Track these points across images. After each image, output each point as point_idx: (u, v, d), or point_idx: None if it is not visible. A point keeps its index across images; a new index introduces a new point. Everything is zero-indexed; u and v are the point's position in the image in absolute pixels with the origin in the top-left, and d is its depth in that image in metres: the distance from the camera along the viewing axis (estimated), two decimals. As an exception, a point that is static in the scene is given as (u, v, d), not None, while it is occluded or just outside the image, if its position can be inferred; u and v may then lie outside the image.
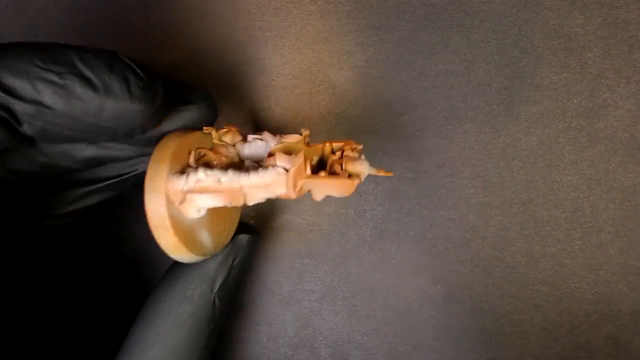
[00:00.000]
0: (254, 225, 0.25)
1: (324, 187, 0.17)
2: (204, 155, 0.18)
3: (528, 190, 0.24)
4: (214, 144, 0.19)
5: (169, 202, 0.17)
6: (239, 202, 0.17)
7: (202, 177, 0.17)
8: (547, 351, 0.24)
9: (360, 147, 0.18)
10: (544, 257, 0.24)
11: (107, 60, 0.15)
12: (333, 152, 0.19)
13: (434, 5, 0.24)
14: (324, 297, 0.25)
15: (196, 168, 0.17)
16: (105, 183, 0.20)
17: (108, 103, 0.14)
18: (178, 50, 0.25)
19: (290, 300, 0.25)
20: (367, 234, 0.25)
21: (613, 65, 0.23)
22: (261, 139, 0.19)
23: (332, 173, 0.18)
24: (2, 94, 0.13)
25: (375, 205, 0.25)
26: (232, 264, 0.20)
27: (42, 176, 0.18)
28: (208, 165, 0.18)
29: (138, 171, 0.20)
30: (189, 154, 0.18)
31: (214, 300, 0.20)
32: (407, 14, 0.24)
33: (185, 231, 0.17)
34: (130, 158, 0.19)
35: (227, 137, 0.19)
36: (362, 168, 0.18)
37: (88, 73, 0.14)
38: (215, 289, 0.20)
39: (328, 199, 0.25)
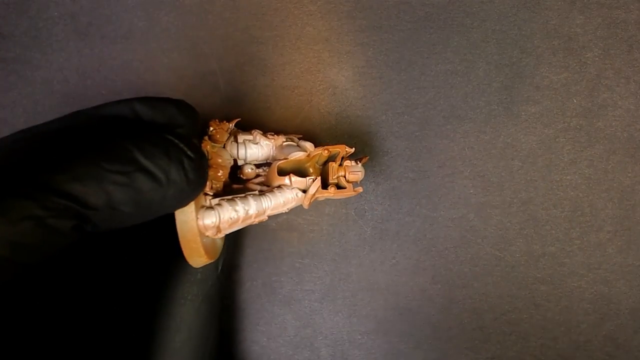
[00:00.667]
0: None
1: (333, 197, 0.20)
2: (220, 173, 0.19)
3: (527, 189, 0.24)
4: (210, 152, 0.19)
5: (202, 235, 0.18)
6: (263, 220, 0.20)
7: (230, 212, 0.18)
8: (546, 350, 0.25)
9: (352, 150, 0.20)
10: (543, 257, 0.24)
11: (164, 148, 0.15)
12: (333, 159, 0.21)
13: (434, 5, 0.24)
14: (324, 296, 0.25)
15: (219, 203, 0.18)
16: None
17: (170, 192, 0.15)
18: (178, 51, 0.25)
19: (290, 300, 0.25)
20: (367, 234, 0.25)
21: (613, 65, 0.23)
22: (255, 142, 0.21)
23: (340, 187, 0.21)
24: (77, 207, 0.13)
25: (375, 205, 0.25)
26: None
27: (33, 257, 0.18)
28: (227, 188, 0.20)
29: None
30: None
31: (218, 278, 0.21)
32: (407, 14, 0.24)
33: (209, 247, 0.19)
34: None
35: (217, 139, 0.19)
36: (362, 175, 0.20)
37: (151, 167, 0.15)
38: (220, 267, 0.21)
39: (328, 199, 0.25)
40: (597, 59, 0.24)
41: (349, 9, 0.24)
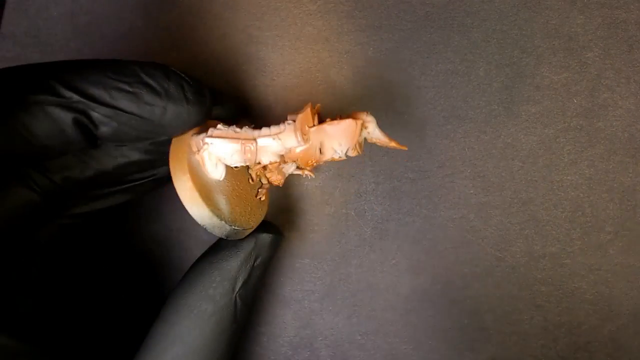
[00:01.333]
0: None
1: (332, 136, 0.18)
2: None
3: (528, 190, 0.24)
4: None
5: (190, 151, 0.19)
6: (253, 156, 0.19)
7: (221, 127, 0.19)
8: (547, 351, 0.24)
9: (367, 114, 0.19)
10: (543, 257, 0.24)
11: (164, 71, 0.18)
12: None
13: (434, 4, 0.24)
14: (324, 297, 0.25)
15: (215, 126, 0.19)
16: (124, 186, 0.21)
17: (169, 106, 0.17)
18: (178, 51, 0.25)
19: (290, 300, 0.25)
20: (367, 234, 0.25)
21: (613, 65, 0.23)
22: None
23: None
24: (85, 101, 0.16)
25: (375, 205, 0.25)
26: (254, 263, 0.20)
27: (89, 183, 0.20)
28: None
29: (156, 176, 0.21)
30: (215, 126, 0.20)
31: (235, 300, 0.20)
32: (407, 14, 0.24)
33: (202, 183, 0.18)
34: (159, 166, 0.21)
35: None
36: (367, 117, 0.19)
37: (151, 82, 0.17)
38: (237, 289, 0.20)
39: (328, 198, 0.25)
40: (597, 58, 0.23)
41: (349, 8, 0.24)
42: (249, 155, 0.19)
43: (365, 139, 0.20)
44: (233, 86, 0.25)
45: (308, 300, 0.25)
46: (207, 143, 0.19)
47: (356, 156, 0.19)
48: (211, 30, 0.25)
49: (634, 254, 0.24)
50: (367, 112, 0.19)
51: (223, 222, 0.19)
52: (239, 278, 0.20)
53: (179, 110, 0.18)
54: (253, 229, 0.21)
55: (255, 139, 0.19)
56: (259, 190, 0.21)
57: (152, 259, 0.26)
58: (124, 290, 0.25)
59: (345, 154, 0.19)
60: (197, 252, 0.22)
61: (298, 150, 0.19)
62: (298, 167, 0.21)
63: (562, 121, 0.24)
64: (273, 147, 0.19)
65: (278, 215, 0.25)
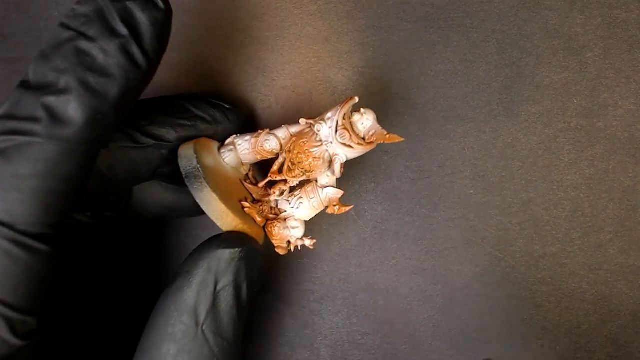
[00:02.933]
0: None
1: (330, 110, 0.20)
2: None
3: (528, 190, 0.24)
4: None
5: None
6: (258, 141, 0.21)
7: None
8: (547, 351, 0.24)
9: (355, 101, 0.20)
10: (543, 257, 0.24)
11: (208, 102, 0.21)
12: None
13: (434, 5, 0.24)
14: (323, 297, 0.25)
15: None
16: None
17: (219, 129, 0.21)
18: (179, 51, 0.25)
19: (290, 300, 0.25)
20: (367, 234, 0.25)
21: (613, 65, 0.23)
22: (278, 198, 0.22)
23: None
24: (155, 142, 0.20)
25: (375, 205, 0.25)
26: (216, 289, 0.17)
27: (128, 177, 0.21)
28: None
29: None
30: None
31: (203, 335, 0.17)
32: (407, 14, 0.24)
33: (204, 143, 0.21)
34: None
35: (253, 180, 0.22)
36: (370, 112, 0.20)
37: (202, 114, 0.21)
38: (201, 321, 0.17)
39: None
40: (597, 58, 0.23)
41: (349, 9, 0.24)
42: (254, 138, 0.21)
43: (364, 139, 0.19)
44: (233, 86, 0.25)
45: (308, 300, 0.25)
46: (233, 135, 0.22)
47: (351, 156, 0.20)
48: (211, 30, 0.25)
49: (634, 254, 0.24)
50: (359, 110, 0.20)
51: (194, 155, 0.19)
52: (200, 309, 0.17)
53: (226, 129, 0.22)
54: (215, 199, 0.18)
55: (268, 129, 0.21)
56: (245, 204, 0.20)
57: (151, 259, 0.26)
58: (123, 290, 0.25)
59: (337, 137, 0.19)
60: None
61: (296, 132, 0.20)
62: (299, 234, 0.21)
63: (562, 121, 0.24)
64: (278, 131, 0.21)
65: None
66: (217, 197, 0.18)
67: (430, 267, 0.25)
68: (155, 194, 0.22)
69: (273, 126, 0.21)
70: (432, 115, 0.24)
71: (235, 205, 0.19)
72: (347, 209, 0.20)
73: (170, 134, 0.20)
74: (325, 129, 0.19)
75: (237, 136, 0.21)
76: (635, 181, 0.24)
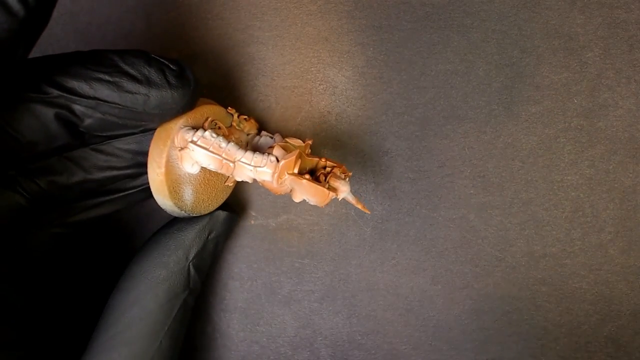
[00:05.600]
0: (254, 224, 0.25)
1: (304, 190, 0.19)
2: (219, 127, 0.20)
3: (528, 190, 0.24)
4: (231, 125, 0.21)
5: (172, 145, 0.19)
6: (228, 172, 0.20)
7: (208, 136, 0.19)
8: (547, 351, 0.24)
9: (349, 174, 0.20)
10: (544, 257, 0.24)
11: (144, 58, 0.18)
12: (325, 168, 0.20)
13: (434, 5, 0.24)
14: (323, 297, 0.25)
15: (205, 130, 0.19)
16: (114, 196, 0.21)
17: (152, 92, 0.17)
18: (178, 51, 0.25)
19: (290, 300, 0.25)
20: (367, 234, 0.25)
21: (613, 65, 0.23)
22: (271, 137, 0.22)
23: (316, 179, 0.20)
24: (66, 94, 0.16)
25: (375, 205, 0.25)
26: (208, 236, 0.22)
27: (77, 190, 0.20)
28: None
29: (147, 186, 0.21)
30: (206, 119, 0.20)
31: (188, 268, 0.21)
32: (407, 14, 0.24)
33: (174, 178, 0.20)
34: None
35: (245, 125, 0.22)
36: (343, 187, 0.20)
37: (131, 70, 0.17)
38: (191, 258, 0.21)
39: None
40: (597, 58, 0.23)
41: (349, 8, 0.24)
42: (222, 170, 0.20)
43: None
44: (233, 86, 0.25)
45: (308, 300, 0.25)
46: (189, 149, 0.19)
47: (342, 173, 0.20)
48: (211, 30, 0.25)
49: (635, 254, 0.24)
50: (346, 176, 0.20)
51: (183, 212, 0.21)
52: (193, 248, 0.21)
53: (163, 95, 0.17)
54: (211, 210, 0.22)
55: (235, 162, 0.20)
56: (230, 177, 0.22)
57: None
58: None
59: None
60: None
61: (269, 183, 0.20)
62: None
63: (563, 121, 0.24)
64: (249, 173, 0.20)
65: (278, 215, 0.25)
66: (214, 208, 0.22)
67: (430, 267, 0.25)
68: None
69: (272, 126, 0.21)
70: (432, 115, 0.24)
71: (221, 189, 0.22)
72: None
73: (82, 88, 0.17)
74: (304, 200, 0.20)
75: (193, 154, 0.19)
76: (636, 181, 0.24)
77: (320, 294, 0.25)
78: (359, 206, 0.20)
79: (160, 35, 0.25)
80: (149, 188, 0.22)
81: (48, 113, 0.17)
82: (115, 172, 0.21)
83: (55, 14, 0.25)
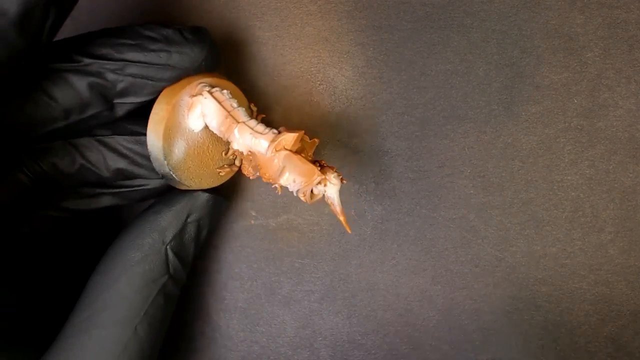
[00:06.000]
0: (254, 225, 0.25)
1: (294, 166, 0.19)
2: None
3: (528, 190, 0.24)
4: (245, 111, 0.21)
5: (188, 91, 0.20)
6: (228, 132, 0.20)
7: (225, 93, 0.20)
8: (547, 352, 0.24)
9: (344, 180, 0.20)
10: (544, 257, 0.24)
11: (161, 24, 0.20)
12: (319, 163, 0.20)
13: (434, 5, 0.24)
14: (323, 297, 0.25)
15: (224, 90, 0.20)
16: (114, 190, 0.22)
17: (173, 48, 0.19)
18: (178, 50, 0.25)
19: (290, 300, 0.25)
20: (367, 234, 0.25)
21: (613, 65, 0.23)
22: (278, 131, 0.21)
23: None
24: (97, 61, 0.18)
25: (375, 205, 0.25)
26: (187, 219, 0.21)
27: (76, 178, 0.21)
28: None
29: (147, 186, 0.22)
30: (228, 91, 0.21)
31: (166, 251, 0.20)
32: (407, 14, 0.24)
33: (174, 122, 0.20)
34: (149, 177, 0.22)
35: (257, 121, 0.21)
36: (333, 179, 0.19)
37: (151, 33, 0.19)
38: (167, 240, 0.20)
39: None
40: (597, 58, 0.23)
41: (349, 8, 0.24)
42: (223, 129, 0.20)
43: (324, 196, 0.20)
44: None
45: (308, 300, 0.25)
46: (203, 94, 0.20)
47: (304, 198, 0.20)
48: (211, 30, 0.25)
49: (635, 254, 0.24)
50: (339, 175, 0.20)
51: (166, 162, 0.20)
52: (169, 230, 0.20)
53: (182, 50, 0.19)
54: (191, 188, 0.21)
55: (238, 123, 0.20)
56: (225, 165, 0.22)
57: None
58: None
59: (295, 194, 0.20)
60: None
61: (261, 153, 0.20)
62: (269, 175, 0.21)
63: (563, 121, 0.24)
64: (246, 139, 0.20)
65: (278, 215, 0.25)
66: (195, 187, 0.21)
67: (430, 267, 0.25)
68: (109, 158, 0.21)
69: (273, 126, 0.21)
70: (432, 115, 0.24)
71: (208, 174, 0.22)
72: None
73: (110, 53, 0.18)
74: (289, 186, 0.19)
75: (204, 98, 0.20)
76: (636, 181, 0.24)
77: (320, 294, 0.25)
78: (342, 218, 0.20)
79: (160, 35, 0.25)
80: (150, 189, 0.22)
81: (82, 80, 0.18)
82: (113, 167, 0.21)
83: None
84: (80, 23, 0.25)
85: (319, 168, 0.19)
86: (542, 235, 0.24)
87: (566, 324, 0.24)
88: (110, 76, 0.19)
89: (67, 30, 0.25)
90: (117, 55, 0.18)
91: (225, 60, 0.25)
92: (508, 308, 0.25)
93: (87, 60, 0.18)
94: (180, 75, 0.20)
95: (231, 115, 0.20)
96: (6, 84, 0.17)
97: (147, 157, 0.21)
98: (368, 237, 0.25)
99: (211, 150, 0.21)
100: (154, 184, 0.22)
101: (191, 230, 0.21)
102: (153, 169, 0.21)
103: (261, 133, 0.19)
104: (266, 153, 0.19)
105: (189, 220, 0.21)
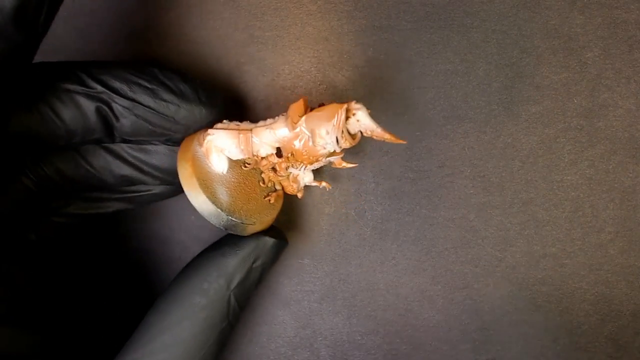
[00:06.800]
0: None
1: (319, 123, 0.19)
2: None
3: (528, 190, 0.24)
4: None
5: (197, 144, 0.20)
6: (249, 147, 0.20)
7: (224, 121, 0.20)
8: (547, 351, 0.24)
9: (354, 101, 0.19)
10: (544, 257, 0.24)
11: (180, 74, 0.20)
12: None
13: (434, 5, 0.24)
14: (323, 297, 0.25)
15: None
16: (120, 195, 0.22)
17: (184, 104, 0.19)
18: (178, 51, 0.25)
19: (290, 300, 0.25)
20: (367, 234, 0.25)
21: (613, 65, 0.23)
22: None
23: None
24: (108, 92, 0.18)
25: (375, 205, 0.25)
26: (253, 264, 0.20)
27: (80, 183, 0.21)
28: None
29: (152, 191, 0.22)
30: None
31: (229, 298, 0.20)
32: (407, 14, 0.24)
33: (203, 172, 0.19)
34: (154, 184, 0.22)
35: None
36: (355, 105, 0.19)
37: (168, 82, 0.19)
38: (232, 287, 0.20)
39: (328, 198, 0.25)
40: (597, 59, 0.23)
41: (349, 8, 0.24)
42: (243, 147, 0.20)
43: (361, 132, 0.19)
44: (233, 86, 0.25)
45: (308, 301, 0.25)
46: (209, 134, 0.20)
47: (351, 147, 0.19)
48: (211, 30, 0.25)
49: (634, 254, 0.24)
50: (355, 101, 0.19)
51: (219, 210, 0.19)
52: (236, 276, 0.20)
53: (192, 109, 0.19)
54: (256, 227, 0.21)
55: (251, 131, 0.20)
56: (270, 193, 0.22)
57: (153, 257, 0.26)
58: (123, 289, 0.25)
59: (339, 145, 0.19)
60: (198, 251, 0.22)
61: (289, 138, 0.19)
62: (313, 176, 0.22)
63: (562, 121, 0.24)
64: (267, 137, 0.19)
65: (278, 215, 0.25)
66: (259, 223, 0.21)
67: (430, 267, 0.25)
68: (114, 166, 0.21)
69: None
70: (432, 115, 0.24)
71: (263, 210, 0.21)
72: (352, 165, 0.21)
73: (124, 89, 0.18)
74: (328, 144, 0.19)
75: (213, 137, 0.20)
76: (636, 181, 0.24)
77: (320, 294, 0.25)
78: (388, 136, 0.19)
79: (160, 35, 0.25)
80: (156, 194, 0.22)
81: (90, 106, 0.18)
82: (118, 174, 0.21)
83: (55, 14, 0.25)
84: (81, 23, 0.25)
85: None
86: (542, 235, 0.24)
87: (566, 324, 0.24)
88: (118, 109, 0.19)
89: (68, 30, 0.25)
90: (129, 94, 0.19)
91: (225, 60, 0.25)
92: (508, 308, 0.25)
93: (99, 88, 0.18)
94: (180, 130, 0.20)
95: (241, 130, 0.20)
96: (7, 82, 0.17)
97: (152, 165, 0.21)
98: (368, 237, 0.25)
99: (249, 185, 0.21)
100: (159, 189, 0.22)
101: (255, 275, 0.21)
102: (157, 176, 0.21)
103: (274, 122, 0.20)
104: (290, 132, 0.19)
105: (254, 265, 0.20)
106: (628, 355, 0.24)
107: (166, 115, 0.19)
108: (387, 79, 0.24)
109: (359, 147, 0.25)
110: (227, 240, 0.21)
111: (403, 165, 0.24)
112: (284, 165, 0.21)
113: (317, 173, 0.22)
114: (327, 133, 0.19)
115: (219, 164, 0.20)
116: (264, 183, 0.21)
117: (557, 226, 0.24)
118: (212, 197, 0.19)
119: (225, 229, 0.20)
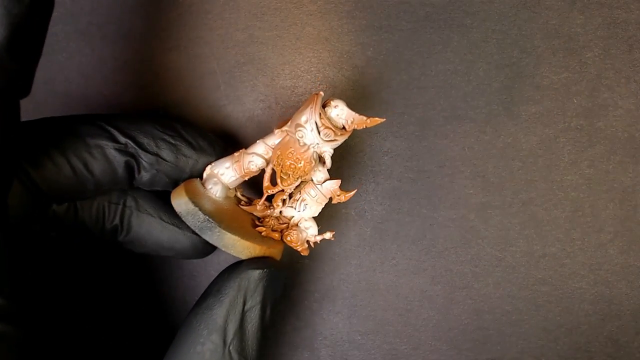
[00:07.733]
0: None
1: (299, 113, 0.19)
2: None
3: (528, 190, 0.24)
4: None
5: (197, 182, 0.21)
6: (240, 163, 0.20)
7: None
8: (547, 351, 0.24)
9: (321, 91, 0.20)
10: (543, 257, 0.24)
11: (199, 131, 0.21)
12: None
13: (434, 5, 0.24)
14: (323, 297, 0.25)
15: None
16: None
17: (201, 159, 0.21)
18: (178, 51, 0.25)
19: (290, 300, 0.25)
20: (367, 234, 0.25)
21: (613, 65, 0.23)
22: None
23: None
24: (135, 146, 0.19)
25: (375, 205, 0.25)
26: (244, 308, 0.18)
27: (105, 176, 0.21)
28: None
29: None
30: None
31: (229, 354, 0.17)
32: (407, 14, 0.24)
33: (194, 190, 0.20)
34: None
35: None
36: (334, 100, 0.19)
37: (190, 139, 0.20)
38: (229, 341, 0.17)
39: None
40: (597, 58, 0.23)
41: (349, 8, 0.24)
42: (236, 165, 0.20)
43: (344, 128, 0.20)
44: (233, 86, 0.25)
45: (308, 301, 0.25)
46: (207, 168, 0.21)
47: (344, 139, 0.20)
48: (211, 30, 0.25)
49: (634, 254, 0.24)
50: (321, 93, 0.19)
51: (197, 208, 0.19)
52: (229, 328, 0.17)
53: (206, 161, 0.21)
54: (236, 242, 0.19)
55: (244, 149, 0.20)
56: (263, 228, 0.21)
57: (153, 257, 0.26)
58: (122, 289, 0.25)
59: (321, 135, 0.19)
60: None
61: (277, 145, 0.20)
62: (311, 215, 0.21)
63: (562, 121, 0.24)
64: (257, 147, 0.20)
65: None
66: (238, 238, 0.19)
67: (430, 267, 0.25)
68: (153, 230, 0.21)
69: (273, 126, 0.21)
70: (432, 115, 0.24)
71: (252, 234, 0.20)
72: (351, 194, 0.21)
73: (150, 146, 0.20)
74: (308, 134, 0.19)
75: (212, 166, 0.21)
76: (635, 181, 0.24)
77: (320, 294, 0.25)
78: (369, 120, 0.19)
79: (160, 35, 0.25)
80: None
81: (120, 160, 0.19)
82: (106, 184, 0.20)
83: (55, 13, 0.25)
84: (81, 23, 0.25)
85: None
86: (542, 235, 0.24)
87: (566, 324, 0.24)
88: (143, 164, 0.19)
89: (68, 30, 0.25)
90: (154, 149, 0.19)
91: (225, 60, 0.25)
92: (508, 308, 0.25)
93: (130, 144, 0.19)
94: (186, 178, 0.21)
95: (233, 154, 0.21)
96: (11, 113, 0.16)
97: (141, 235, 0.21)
98: (368, 237, 0.25)
99: (242, 217, 0.21)
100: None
101: (253, 317, 0.18)
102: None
103: (265, 136, 0.20)
104: (277, 134, 0.20)
105: (246, 308, 0.18)
106: (628, 355, 0.24)
107: (184, 170, 0.20)
108: (387, 79, 0.24)
109: (359, 147, 0.25)
110: (210, 289, 0.19)
111: (403, 165, 0.24)
112: (277, 190, 0.20)
113: (318, 220, 0.22)
114: (307, 121, 0.19)
115: (213, 188, 0.20)
116: (260, 221, 0.21)
117: (557, 226, 0.24)
118: (195, 201, 0.19)
119: (200, 233, 0.19)
